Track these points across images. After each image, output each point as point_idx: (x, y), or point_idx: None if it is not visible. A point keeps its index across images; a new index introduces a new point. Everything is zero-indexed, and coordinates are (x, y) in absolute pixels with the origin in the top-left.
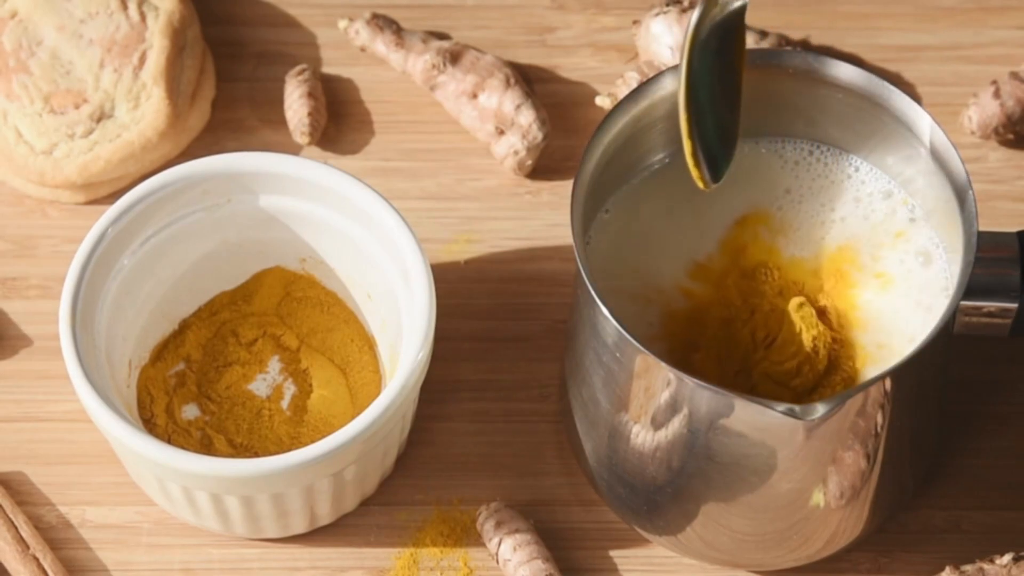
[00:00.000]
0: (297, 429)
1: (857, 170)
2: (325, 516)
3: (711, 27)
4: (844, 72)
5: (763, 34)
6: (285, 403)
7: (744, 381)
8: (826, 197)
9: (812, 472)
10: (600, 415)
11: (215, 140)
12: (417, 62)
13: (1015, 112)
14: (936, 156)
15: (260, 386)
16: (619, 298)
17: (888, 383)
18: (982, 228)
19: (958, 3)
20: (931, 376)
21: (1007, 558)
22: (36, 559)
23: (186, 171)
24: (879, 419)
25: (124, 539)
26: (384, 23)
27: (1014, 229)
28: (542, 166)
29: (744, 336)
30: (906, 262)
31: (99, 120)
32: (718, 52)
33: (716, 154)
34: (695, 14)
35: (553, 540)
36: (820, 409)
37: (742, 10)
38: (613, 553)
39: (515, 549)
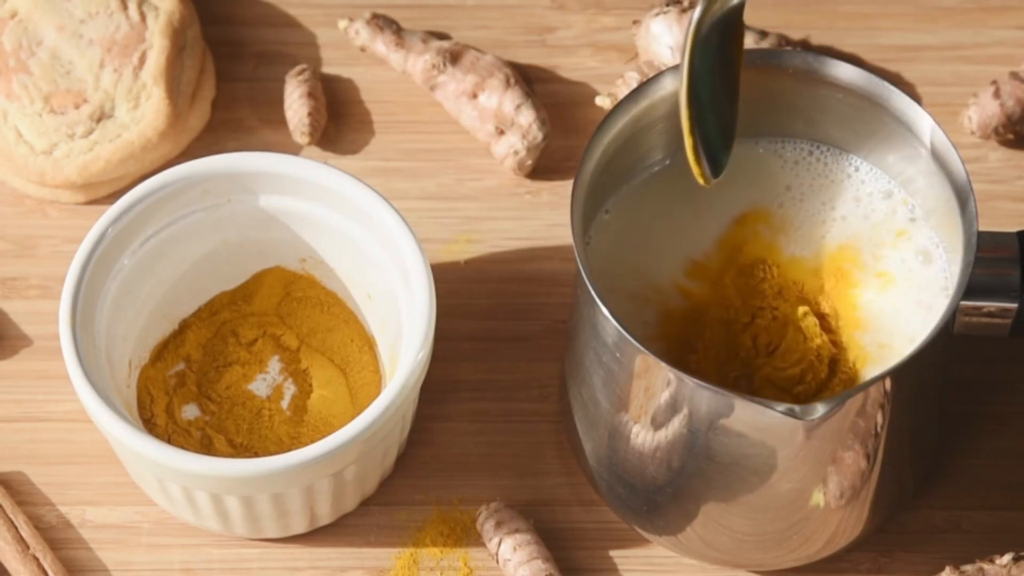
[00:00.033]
0: (297, 429)
1: (857, 170)
2: (325, 516)
3: (711, 24)
4: (844, 72)
5: (763, 34)
6: (285, 403)
7: (745, 386)
8: (826, 196)
9: (812, 472)
10: (600, 415)
11: (215, 140)
12: (417, 62)
13: (1015, 112)
14: (936, 156)
15: (260, 386)
16: (618, 298)
17: (888, 383)
18: (982, 228)
19: (958, 3)
20: (931, 376)
21: (1007, 558)
22: (36, 559)
23: (186, 171)
24: (879, 419)
25: (124, 539)
26: (384, 23)
27: (1014, 229)
28: (542, 166)
29: (745, 341)
30: (907, 261)
31: (99, 120)
32: (718, 49)
33: (716, 150)
34: (697, 11)
35: (553, 540)
36: (820, 409)
37: (741, 6)
38: (613, 553)
39: (515, 549)
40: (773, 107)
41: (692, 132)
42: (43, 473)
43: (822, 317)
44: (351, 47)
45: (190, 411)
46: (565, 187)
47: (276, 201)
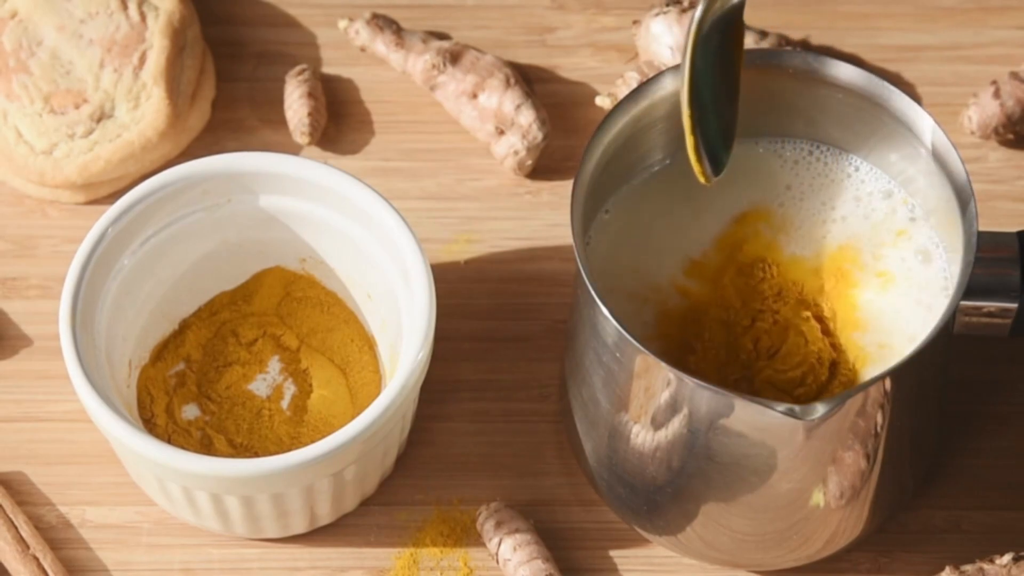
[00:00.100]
0: (297, 429)
1: (857, 170)
2: (325, 516)
3: (712, 23)
4: (844, 72)
5: (763, 34)
6: (285, 403)
7: (746, 388)
8: (826, 196)
9: (812, 472)
10: (600, 415)
11: (215, 140)
12: (417, 62)
13: (1015, 112)
14: (936, 156)
15: (260, 386)
16: (618, 298)
17: (888, 383)
18: (982, 228)
19: (958, 3)
20: (931, 376)
21: (1007, 558)
22: (36, 559)
23: (186, 171)
24: (879, 419)
25: (124, 539)
26: (384, 23)
27: (1014, 229)
28: (542, 166)
29: (746, 344)
30: (907, 260)
31: (99, 120)
32: (719, 48)
33: (717, 148)
34: (698, 10)
35: (553, 540)
36: (820, 409)
37: (741, 5)
38: (613, 553)
39: (515, 549)
40: (773, 107)
41: (693, 131)
42: (43, 473)
43: (821, 320)
44: (351, 47)
45: (190, 411)
46: (565, 187)
47: (276, 201)
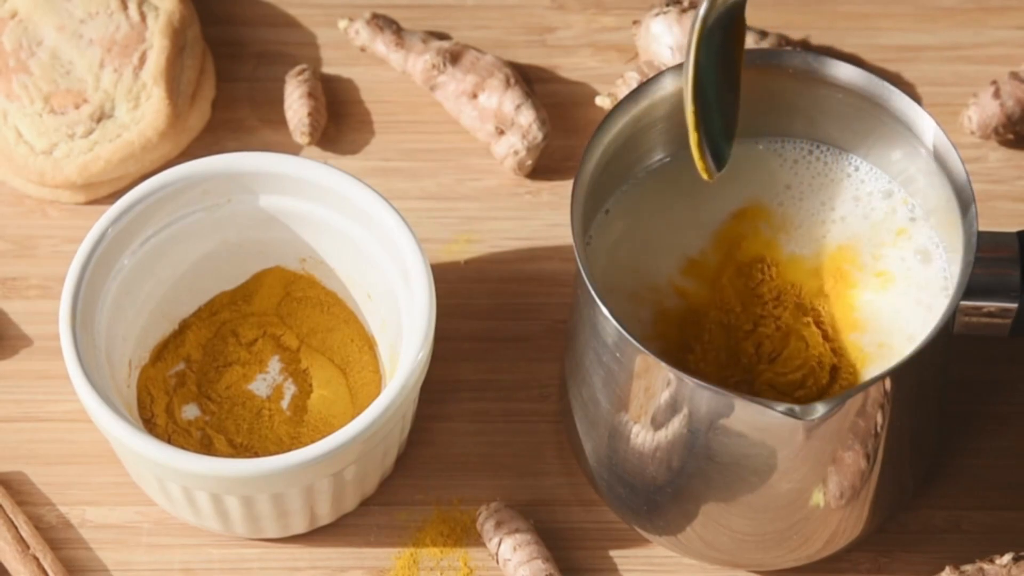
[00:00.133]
0: (297, 429)
1: (857, 169)
2: (325, 516)
3: (715, 20)
4: (844, 72)
5: (763, 34)
6: (285, 403)
7: (746, 390)
8: (826, 195)
9: (812, 472)
10: (600, 415)
11: (215, 140)
12: (417, 62)
13: (1015, 112)
14: (936, 156)
15: (260, 386)
16: (618, 297)
17: (888, 383)
18: (982, 228)
19: (958, 3)
20: (931, 376)
21: (1007, 558)
22: (36, 559)
23: (186, 171)
24: (879, 419)
25: (124, 539)
26: (384, 23)
27: (1014, 229)
28: (542, 166)
29: (747, 348)
30: (906, 260)
31: (99, 120)
32: (721, 45)
33: (720, 144)
34: (702, 7)
35: (553, 540)
36: (820, 409)
37: (743, 2)
38: (613, 553)
39: (515, 549)
40: (773, 107)
41: (697, 128)
42: (43, 473)
43: (820, 324)
44: (351, 47)
45: (190, 411)
46: (565, 187)
47: (276, 201)
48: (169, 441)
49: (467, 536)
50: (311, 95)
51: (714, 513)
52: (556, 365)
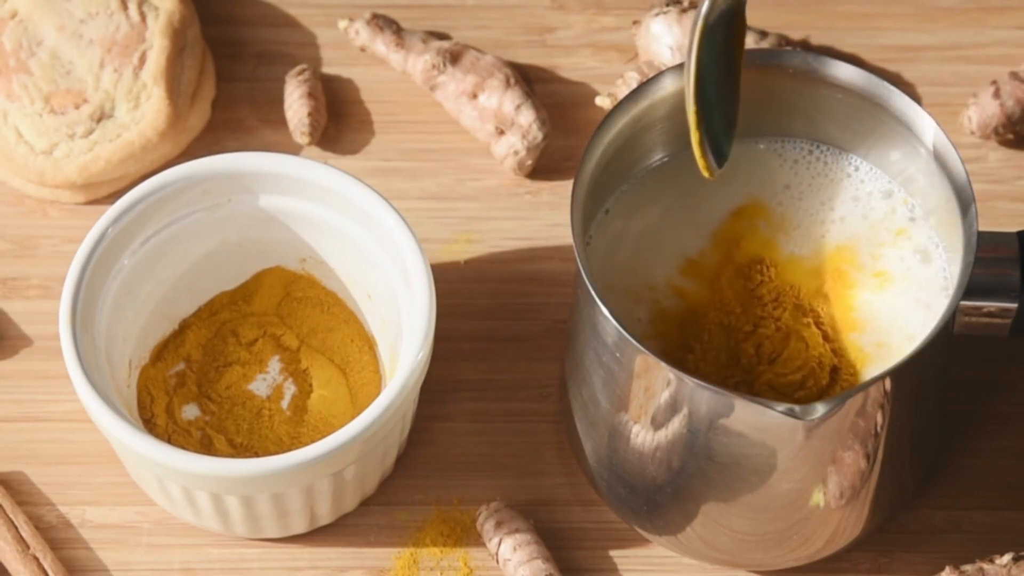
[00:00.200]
0: (297, 429)
1: (857, 169)
2: (325, 516)
3: (716, 17)
4: (844, 72)
5: (763, 34)
6: (285, 403)
7: (746, 391)
8: (825, 195)
9: (812, 472)
10: (600, 415)
11: (215, 140)
12: (417, 62)
13: (1015, 112)
14: (936, 156)
15: (260, 386)
16: (617, 297)
17: (888, 383)
18: (982, 228)
19: (958, 3)
20: (931, 376)
21: (1007, 558)
22: (36, 559)
23: (186, 171)
24: (879, 419)
25: (124, 539)
26: (384, 23)
27: (1014, 229)
28: (542, 166)
29: (747, 349)
30: (905, 260)
31: (99, 120)
32: (722, 42)
33: (721, 142)
34: (704, 6)
35: (553, 540)
36: (820, 409)
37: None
38: (613, 553)
39: (515, 549)
40: (773, 107)
41: (699, 127)
42: (43, 473)
43: (820, 324)
44: (351, 47)
45: (190, 411)
46: (565, 187)
47: (276, 201)
48: (169, 441)
49: (467, 536)
50: (311, 95)
51: (714, 513)
52: (556, 365)
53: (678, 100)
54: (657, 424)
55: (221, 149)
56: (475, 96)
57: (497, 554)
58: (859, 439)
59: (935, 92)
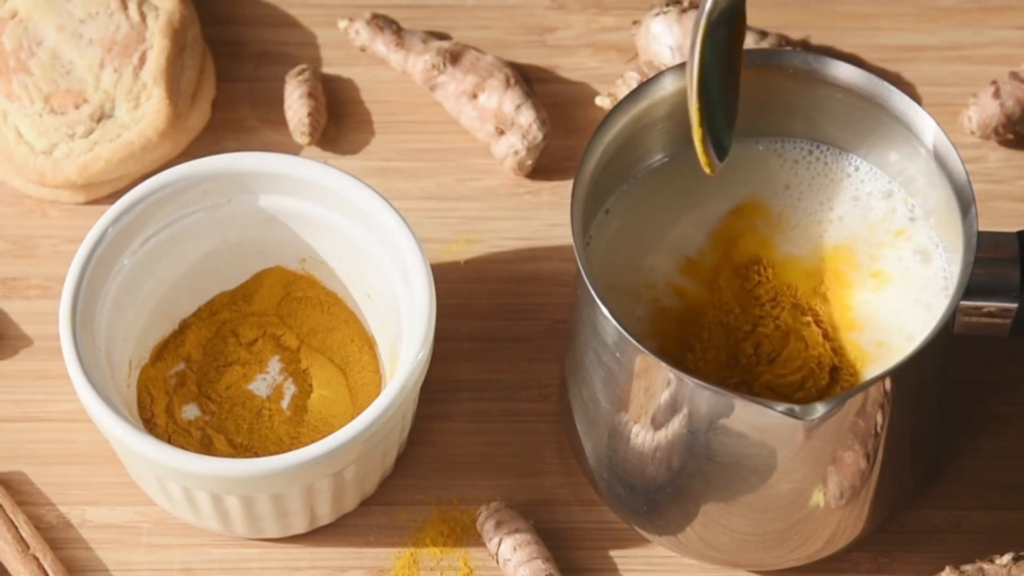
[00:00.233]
0: (297, 429)
1: (857, 169)
2: (325, 516)
3: (719, 15)
4: (844, 72)
5: (763, 34)
6: (285, 403)
7: (746, 391)
8: (825, 196)
9: (812, 472)
10: (600, 415)
11: (215, 140)
12: (417, 62)
13: (1015, 112)
14: (936, 156)
15: (260, 386)
16: (617, 297)
17: (888, 383)
18: (982, 228)
19: (958, 3)
20: (931, 376)
21: (1007, 558)
22: (36, 559)
23: (186, 171)
24: (879, 419)
25: (124, 539)
26: (384, 23)
27: (1014, 229)
28: (542, 166)
29: (746, 349)
30: (905, 260)
31: (99, 120)
32: (724, 39)
33: (722, 138)
34: (708, 3)
35: (553, 540)
36: (820, 409)
37: None
38: (613, 553)
39: (515, 549)
40: (773, 107)
41: (702, 124)
42: (43, 473)
43: (819, 323)
44: (351, 47)
45: (190, 411)
46: (565, 187)
47: (276, 201)
48: (169, 441)
49: (467, 536)
50: (311, 95)
51: (714, 513)
52: (556, 365)
53: (678, 100)
54: (657, 424)
55: (221, 149)
56: (475, 96)
57: (497, 554)
58: (859, 439)
59: (935, 92)
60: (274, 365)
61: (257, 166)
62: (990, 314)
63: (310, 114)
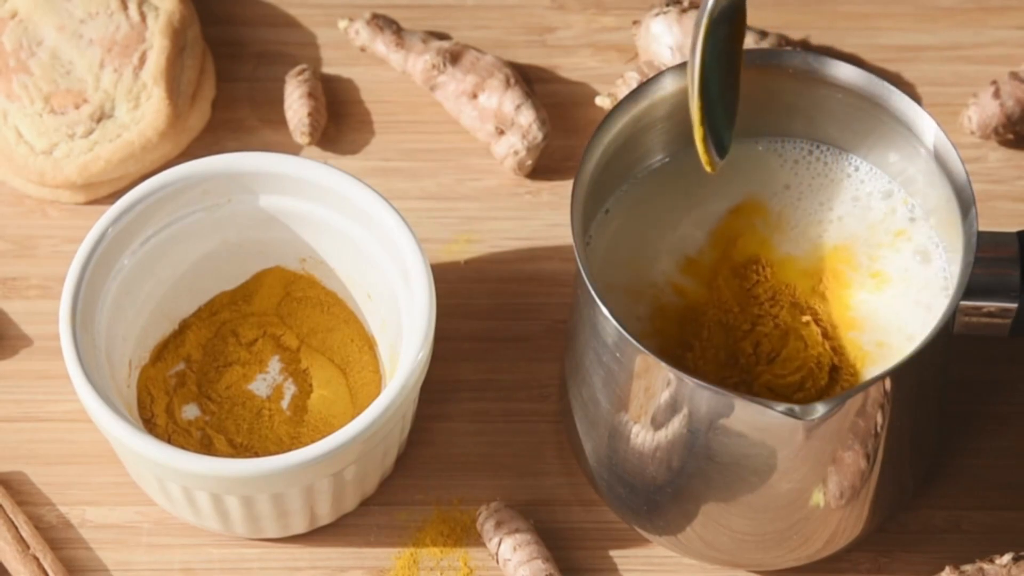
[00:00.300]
0: (297, 429)
1: (857, 169)
2: (325, 516)
3: (719, 13)
4: (844, 72)
5: (763, 34)
6: (285, 403)
7: (745, 392)
8: (825, 196)
9: (812, 472)
10: (600, 415)
11: (215, 140)
12: (417, 62)
13: (1015, 112)
14: (936, 156)
15: (260, 386)
16: (617, 296)
17: (888, 383)
18: (982, 228)
19: (958, 3)
20: (931, 376)
21: (1007, 558)
22: (36, 559)
23: (186, 171)
24: (879, 419)
25: (124, 539)
26: (384, 23)
27: (1014, 229)
28: (542, 166)
29: (746, 348)
30: (905, 260)
31: (99, 120)
32: (725, 38)
33: (723, 136)
34: (709, 2)
35: (553, 540)
36: (820, 409)
37: None
38: (613, 553)
39: (515, 549)
40: (773, 107)
41: (702, 122)
42: (43, 473)
43: (819, 322)
44: (351, 47)
45: (190, 411)
46: (565, 187)
47: (276, 201)
48: (169, 441)
49: (467, 536)
50: (311, 95)
51: (714, 513)
52: (556, 365)
53: (678, 100)
54: (657, 424)
55: (221, 149)
56: (475, 96)
57: (497, 554)
58: (859, 439)
59: (935, 92)
60: (274, 365)
61: (257, 166)
62: (990, 314)
63: (310, 114)
